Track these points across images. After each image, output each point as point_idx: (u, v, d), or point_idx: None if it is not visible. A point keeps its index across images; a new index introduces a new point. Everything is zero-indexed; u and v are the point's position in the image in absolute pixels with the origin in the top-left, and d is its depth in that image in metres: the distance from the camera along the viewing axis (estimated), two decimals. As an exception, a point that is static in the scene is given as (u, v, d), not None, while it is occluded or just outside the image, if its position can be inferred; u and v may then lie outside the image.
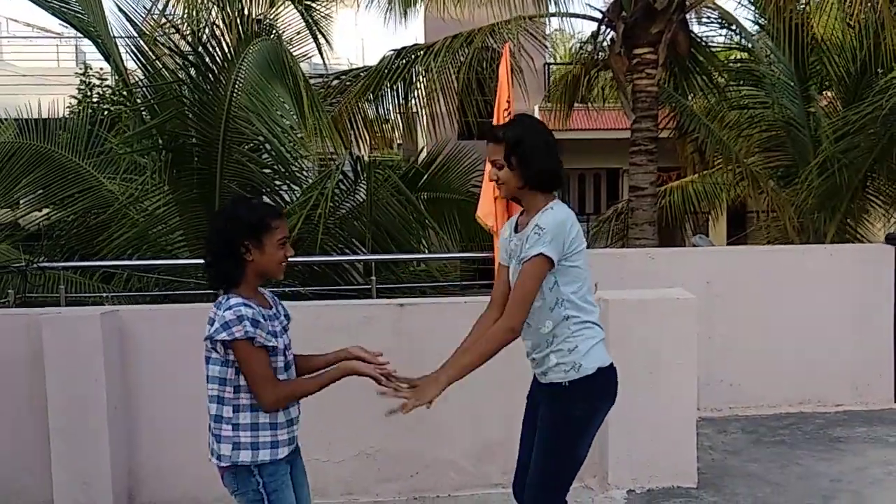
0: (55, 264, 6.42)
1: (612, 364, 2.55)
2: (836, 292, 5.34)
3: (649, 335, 3.94)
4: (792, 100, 9.04)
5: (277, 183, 8.30)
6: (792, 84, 9.00)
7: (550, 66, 16.29)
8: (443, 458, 3.94)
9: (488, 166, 2.66)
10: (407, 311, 3.96)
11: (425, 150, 11.15)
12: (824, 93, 9.70)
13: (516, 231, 2.60)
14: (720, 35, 9.87)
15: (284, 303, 2.51)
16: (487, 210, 4.69)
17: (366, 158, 9.54)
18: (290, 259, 2.40)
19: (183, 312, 3.93)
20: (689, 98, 10.31)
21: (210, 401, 2.31)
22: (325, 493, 3.76)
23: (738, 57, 10.42)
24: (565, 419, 2.51)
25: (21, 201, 8.45)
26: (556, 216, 2.44)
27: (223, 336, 2.18)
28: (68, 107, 13.11)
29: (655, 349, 3.94)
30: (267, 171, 8.05)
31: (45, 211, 8.88)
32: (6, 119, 9.57)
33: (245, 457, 2.24)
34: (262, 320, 2.24)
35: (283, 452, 2.29)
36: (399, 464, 3.93)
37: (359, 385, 3.97)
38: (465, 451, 3.89)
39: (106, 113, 11.86)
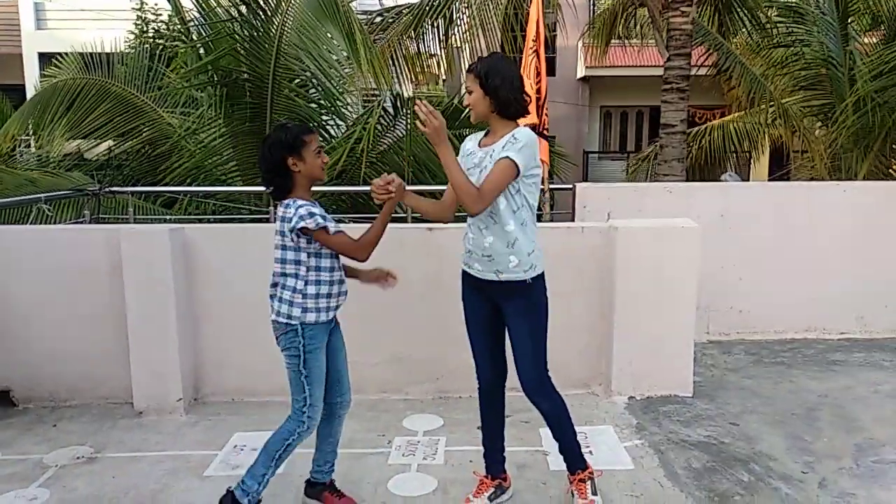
0: (124, 189, 7.03)
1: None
2: (847, 227, 5.57)
3: (654, 260, 4.30)
4: (832, 38, 9.01)
5: (324, 118, 8.74)
6: (832, 22, 8.96)
7: (595, 2, 16.13)
8: (463, 363, 4.44)
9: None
10: (434, 233, 4.41)
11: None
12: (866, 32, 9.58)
13: (479, 147, 2.97)
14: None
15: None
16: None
17: (406, 94, 9.85)
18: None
19: (238, 231, 4.44)
20: (733, 36, 10.27)
21: (284, 277, 2.85)
22: (363, 390, 4.28)
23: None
24: (536, 305, 2.95)
25: (87, 134, 9.02)
26: (529, 134, 2.85)
27: (305, 224, 2.73)
28: (126, 41, 13.59)
29: (659, 273, 4.30)
30: (314, 105, 8.48)
31: (109, 143, 9.51)
32: (70, 53, 10.11)
33: (297, 315, 2.82)
34: (324, 212, 2.83)
35: (323, 317, 2.87)
36: (425, 368, 4.45)
37: (392, 300, 4.48)
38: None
39: (161, 49, 12.32)
